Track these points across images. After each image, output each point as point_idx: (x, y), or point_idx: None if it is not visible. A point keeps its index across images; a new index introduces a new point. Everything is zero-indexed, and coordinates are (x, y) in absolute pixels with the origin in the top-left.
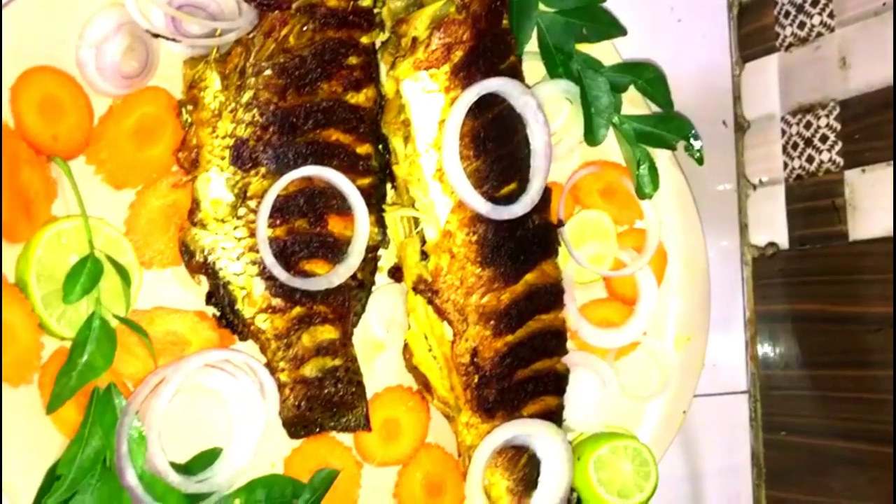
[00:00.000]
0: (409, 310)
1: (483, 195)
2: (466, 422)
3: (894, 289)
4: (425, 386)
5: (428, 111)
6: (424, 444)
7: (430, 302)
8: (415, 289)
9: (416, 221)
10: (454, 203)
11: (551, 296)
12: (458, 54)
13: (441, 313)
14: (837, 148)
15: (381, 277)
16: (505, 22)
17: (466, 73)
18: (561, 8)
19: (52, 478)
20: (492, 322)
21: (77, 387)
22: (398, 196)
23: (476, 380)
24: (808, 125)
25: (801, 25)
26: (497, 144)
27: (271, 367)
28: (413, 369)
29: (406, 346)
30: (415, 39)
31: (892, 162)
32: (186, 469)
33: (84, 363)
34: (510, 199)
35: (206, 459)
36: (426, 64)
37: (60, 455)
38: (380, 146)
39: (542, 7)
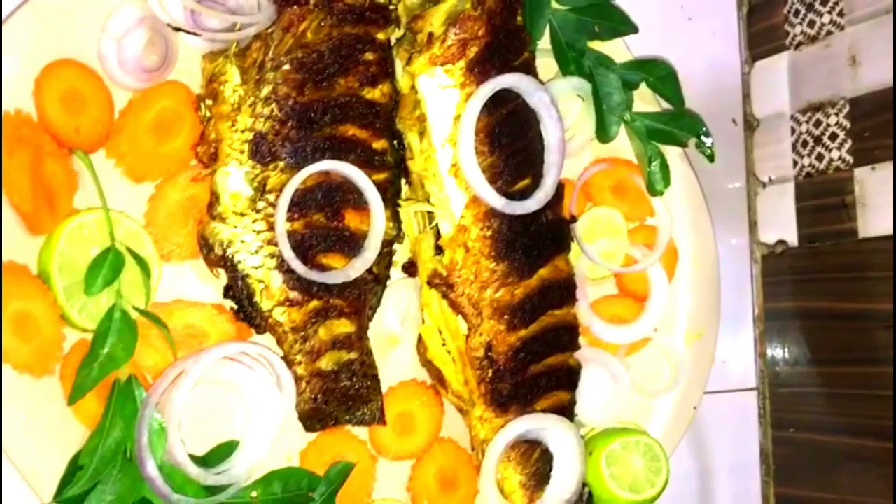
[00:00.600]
0: (423, 304)
1: (497, 190)
2: (480, 416)
3: None
4: (439, 380)
5: (443, 107)
6: (438, 438)
7: (445, 296)
8: (429, 283)
9: (431, 216)
10: (469, 198)
11: (564, 291)
12: (473, 50)
13: (456, 307)
14: (847, 146)
15: (396, 272)
16: (519, 18)
17: (481, 69)
18: (573, 5)
19: (74, 468)
20: (506, 316)
21: (98, 378)
22: (413, 191)
23: (490, 374)
24: (817, 123)
25: (811, 24)
26: (511, 140)
27: (288, 361)
28: (427, 363)
29: (420, 341)
30: (430, 35)
31: None
32: (205, 461)
33: (105, 354)
34: (524, 194)
35: (225, 451)
36: (442, 59)
37: (82, 446)
38: (394, 142)
39: (554, 4)
